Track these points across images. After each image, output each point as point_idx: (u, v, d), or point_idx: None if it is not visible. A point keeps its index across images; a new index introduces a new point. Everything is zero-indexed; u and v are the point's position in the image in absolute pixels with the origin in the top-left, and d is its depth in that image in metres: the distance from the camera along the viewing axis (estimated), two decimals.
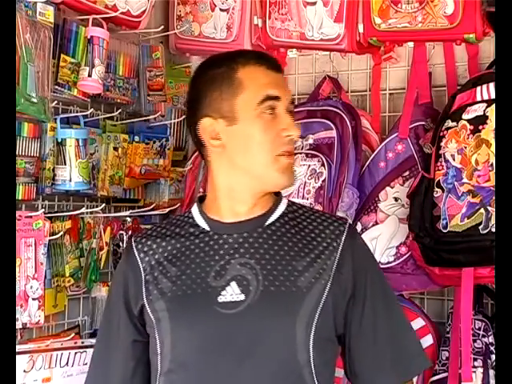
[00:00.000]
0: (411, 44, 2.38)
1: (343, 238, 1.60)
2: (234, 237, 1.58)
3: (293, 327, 1.52)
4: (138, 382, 1.64)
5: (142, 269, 1.60)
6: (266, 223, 1.60)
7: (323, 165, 2.30)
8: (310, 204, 2.28)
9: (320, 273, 1.55)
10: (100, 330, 1.72)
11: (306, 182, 2.31)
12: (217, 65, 1.60)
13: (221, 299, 1.52)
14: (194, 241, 1.60)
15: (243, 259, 1.55)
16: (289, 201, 1.68)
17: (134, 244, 1.64)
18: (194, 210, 1.66)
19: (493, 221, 1.96)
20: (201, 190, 2.51)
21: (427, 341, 2.24)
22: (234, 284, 1.53)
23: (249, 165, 1.56)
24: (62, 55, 2.17)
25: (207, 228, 1.61)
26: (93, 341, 2.16)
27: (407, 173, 2.26)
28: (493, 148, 2.01)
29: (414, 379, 2.21)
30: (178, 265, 1.58)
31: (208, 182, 1.65)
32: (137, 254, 1.62)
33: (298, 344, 1.52)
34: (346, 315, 1.58)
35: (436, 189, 2.09)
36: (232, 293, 1.53)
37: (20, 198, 2.06)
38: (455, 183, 2.06)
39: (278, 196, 1.66)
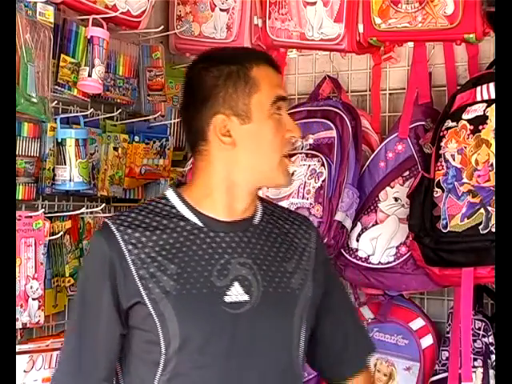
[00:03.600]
0: (411, 44, 2.38)
1: (313, 239, 1.69)
2: (230, 235, 1.58)
3: (290, 327, 1.59)
4: (111, 375, 1.60)
5: (130, 262, 1.53)
6: (254, 222, 1.63)
7: (323, 165, 2.30)
8: (310, 204, 2.28)
9: (306, 274, 1.63)
10: (75, 320, 1.61)
11: (305, 182, 2.31)
12: (228, 61, 1.58)
13: (227, 299, 1.53)
14: (189, 237, 1.57)
15: (242, 259, 1.57)
16: (257, 196, 1.70)
17: (117, 233, 1.55)
18: (175, 200, 1.61)
19: (493, 221, 1.96)
20: None
21: (427, 341, 2.24)
22: (236, 284, 1.55)
23: (257, 163, 1.58)
24: (62, 55, 2.17)
25: (200, 224, 1.59)
26: None
27: (407, 173, 2.26)
28: (493, 148, 2.01)
29: (414, 380, 2.23)
30: (177, 262, 1.55)
31: (199, 177, 1.62)
32: (123, 246, 1.54)
33: (294, 342, 1.60)
34: (319, 308, 1.67)
35: (436, 189, 2.09)
36: (236, 293, 1.54)
37: (20, 198, 2.06)
38: (455, 183, 2.06)
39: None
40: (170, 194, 1.62)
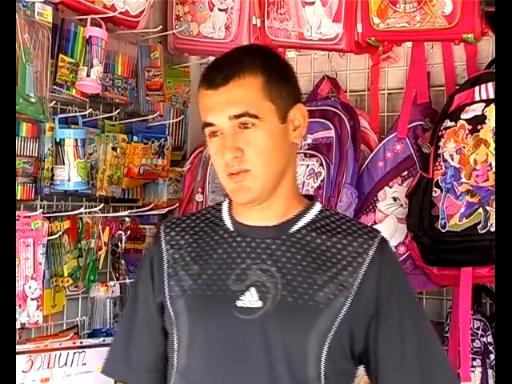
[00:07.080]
0: (410, 44, 2.39)
1: (371, 253, 1.54)
2: (256, 241, 1.57)
3: (306, 341, 1.49)
4: (161, 370, 1.65)
5: (165, 260, 1.62)
6: (291, 230, 1.58)
7: (322, 165, 2.30)
8: None
9: (340, 289, 1.51)
10: (125, 314, 1.71)
11: (304, 182, 2.31)
12: None
13: (239, 304, 1.52)
14: (218, 240, 1.60)
15: (264, 265, 1.54)
16: (322, 206, 1.64)
17: (162, 234, 1.66)
18: (225, 206, 1.66)
19: (491, 220, 1.97)
20: (199, 189, 2.51)
21: None
22: (253, 290, 1.52)
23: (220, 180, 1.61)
24: (61, 55, 2.17)
25: (231, 229, 1.61)
26: (91, 341, 2.17)
27: (406, 172, 2.27)
28: (491, 148, 2.01)
29: None
30: (201, 263, 1.58)
31: None
32: (164, 245, 1.64)
33: (309, 358, 1.50)
34: (368, 334, 1.54)
35: (435, 188, 2.10)
36: (250, 299, 1.52)
37: (19, 198, 2.06)
38: (454, 183, 2.06)
39: (311, 200, 1.63)
40: (226, 202, 1.68)
